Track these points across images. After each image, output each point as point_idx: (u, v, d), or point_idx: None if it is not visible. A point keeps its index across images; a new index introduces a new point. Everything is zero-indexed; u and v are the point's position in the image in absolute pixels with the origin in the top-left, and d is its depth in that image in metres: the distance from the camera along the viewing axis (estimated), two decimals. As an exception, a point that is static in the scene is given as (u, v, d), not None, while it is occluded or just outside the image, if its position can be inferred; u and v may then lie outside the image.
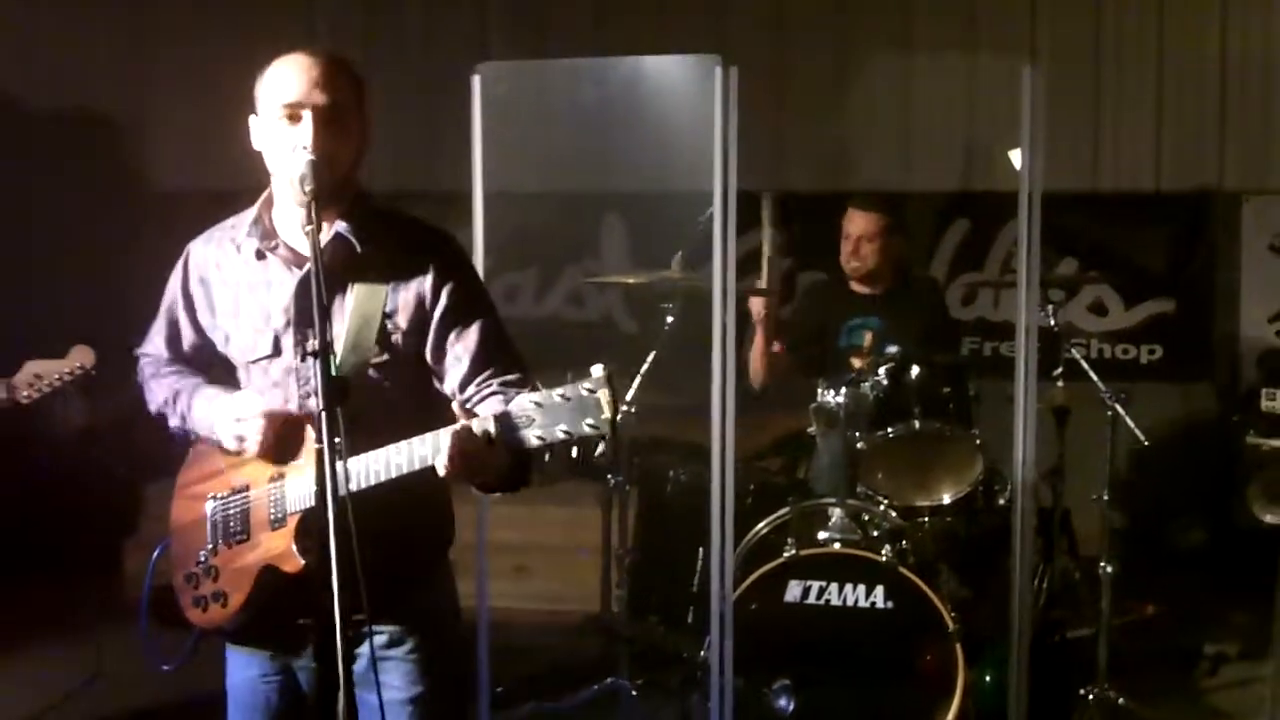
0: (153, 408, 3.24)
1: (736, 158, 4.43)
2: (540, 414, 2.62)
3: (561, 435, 2.61)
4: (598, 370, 2.61)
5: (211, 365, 3.21)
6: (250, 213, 3.09)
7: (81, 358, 4.04)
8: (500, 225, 4.74)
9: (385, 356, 2.99)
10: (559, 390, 2.61)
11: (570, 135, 5.89)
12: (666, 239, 5.29)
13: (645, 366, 5.23)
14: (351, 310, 2.95)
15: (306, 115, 2.92)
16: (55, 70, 7.36)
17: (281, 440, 2.97)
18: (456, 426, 2.69)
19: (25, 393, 4.01)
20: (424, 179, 6.91)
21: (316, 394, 2.62)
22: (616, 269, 7.32)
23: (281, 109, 2.94)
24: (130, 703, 5.30)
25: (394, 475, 2.79)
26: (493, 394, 2.95)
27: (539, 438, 2.63)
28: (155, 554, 3.23)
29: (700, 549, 5.11)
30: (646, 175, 6.28)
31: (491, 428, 2.66)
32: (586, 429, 2.59)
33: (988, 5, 7.29)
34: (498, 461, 2.71)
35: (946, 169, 7.30)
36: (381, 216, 3.08)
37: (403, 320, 3.00)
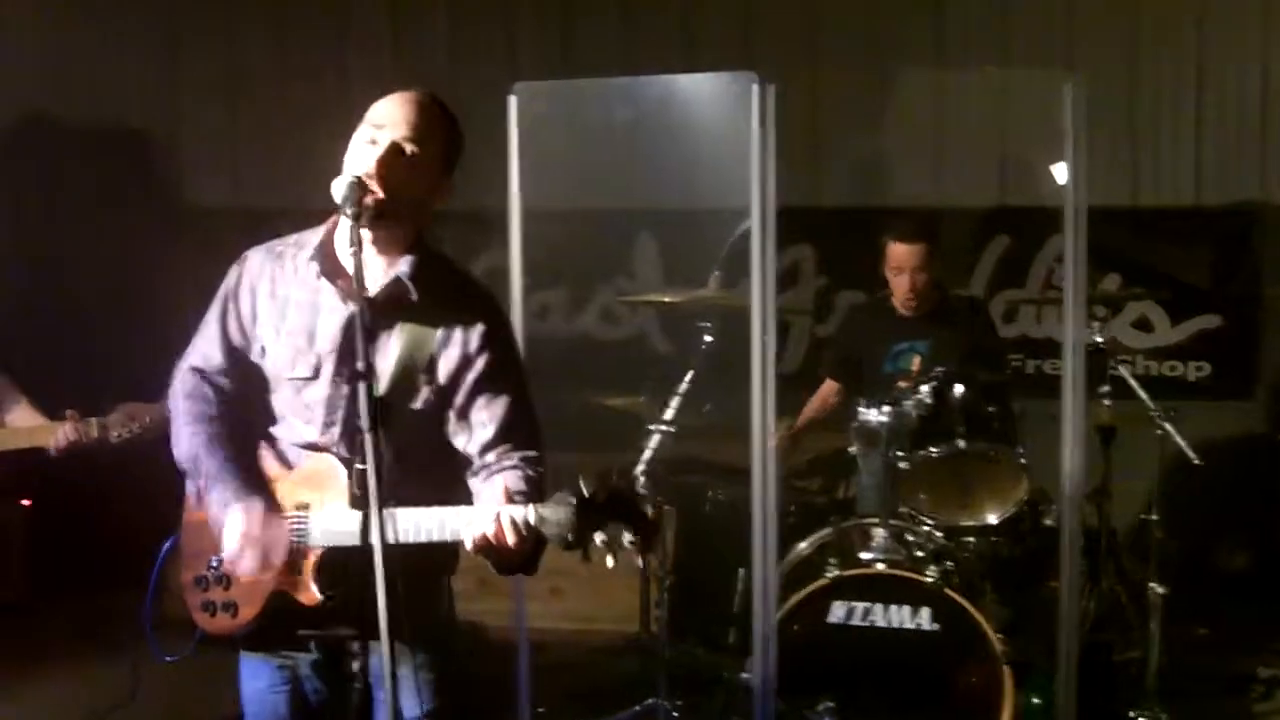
0: (175, 451, 3.20)
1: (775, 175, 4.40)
2: (580, 517, 2.67)
3: (598, 542, 2.67)
4: (641, 483, 2.68)
5: (248, 378, 3.18)
6: (316, 235, 3.10)
7: None
8: (533, 243, 4.73)
9: (427, 404, 3.02)
10: (601, 495, 2.67)
11: (604, 153, 5.86)
12: (700, 257, 5.26)
13: (684, 386, 5.17)
14: (398, 353, 2.99)
15: (383, 138, 2.96)
16: (92, 87, 7.37)
17: (265, 563, 2.97)
18: (497, 510, 2.75)
19: (116, 432, 4.14)
20: (456, 197, 6.89)
21: (359, 417, 2.64)
22: (649, 287, 7.28)
23: (367, 129, 2.98)
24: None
25: (420, 540, 2.81)
26: (512, 467, 3.01)
27: (576, 539, 2.68)
28: (165, 547, 3.22)
29: (740, 569, 5.07)
30: (680, 193, 6.24)
31: (532, 518, 2.73)
32: (625, 541, 2.67)
33: (1024, 19, 7.23)
34: (525, 551, 2.77)
35: (984, 184, 7.23)
36: (441, 267, 3.11)
37: (441, 374, 3.04)
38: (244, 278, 3.17)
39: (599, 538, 2.65)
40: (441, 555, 3.16)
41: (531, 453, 3.05)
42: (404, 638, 2.60)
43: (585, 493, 2.68)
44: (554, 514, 2.70)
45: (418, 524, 2.81)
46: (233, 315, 3.17)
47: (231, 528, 2.97)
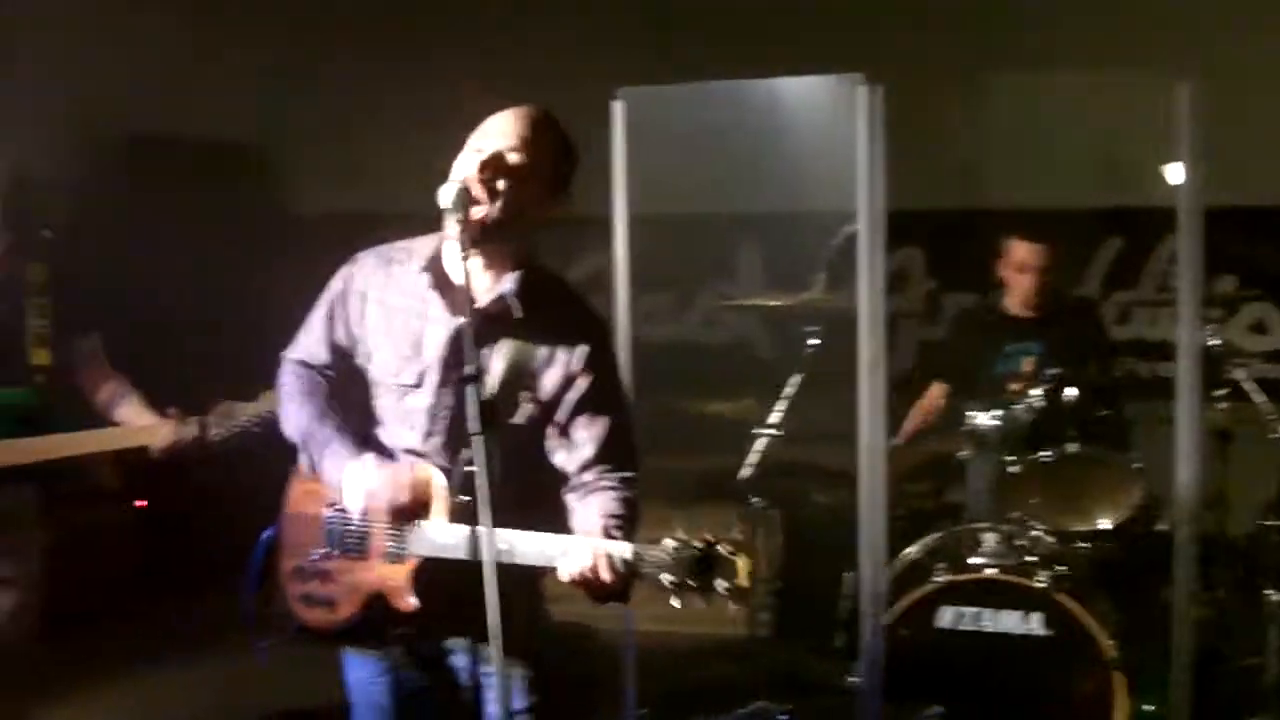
0: (284, 430, 3.27)
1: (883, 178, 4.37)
2: (676, 564, 2.66)
3: (691, 589, 2.65)
4: (738, 533, 2.69)
5: (353, 375, 3.22)
6: (428, 247, 3.12)
7: (270, 405, 4.07)
8: (637, 248, 4.73)
9: (527, 420, 3.04)
10: (699, 542, 2.66)
11: (709, 157, 5.86)
12: (805, 260, 5.23)
13: (791, 390, 5.15)
14: (501, 368, 3.01)
15: (486, 149, 2.98)
16: (201, 99, 7.48)
17: (403, 514, 3.02)
18: (595, 546, 2.76)
19: (215, 430, 4.18)
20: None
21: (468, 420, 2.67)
22: (753, 291, 7.26)
23: (471, 142, 3.02)
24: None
25: (514, 562, 2.81)
26: (609, 488, 3.03)
27: (671, 583, 2.67)
28: (265, 535, 3.28)
29: (846, 573, 5.04)
30: (785, 196, 6.23)
31: (629, 556, 2.73)
32: (719, 590, 2.64)
33: (1136, 19, 7.12)
34: (618, 587, 2.78)
35: (1096, 185, 7.12)
36: (548, 284, 3.13)
37: (543, 391, 3.06)
38: (354, 281, 3.21)
39: (693, 583, 2.64)
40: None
41: (628, 474, 3.07)
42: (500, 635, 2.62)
43: (685, 539, 2.68)
44: (652, 556, 2.70)
45: (513, 546, 2.82)
46: (340, 316, 3.21)
47: (350, 483, 3.03)
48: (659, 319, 7.65)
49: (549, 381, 3.05)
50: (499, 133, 3.00)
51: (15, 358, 4.22)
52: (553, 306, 3.09)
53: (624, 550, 2.74)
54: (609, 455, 3.06)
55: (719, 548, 2.64)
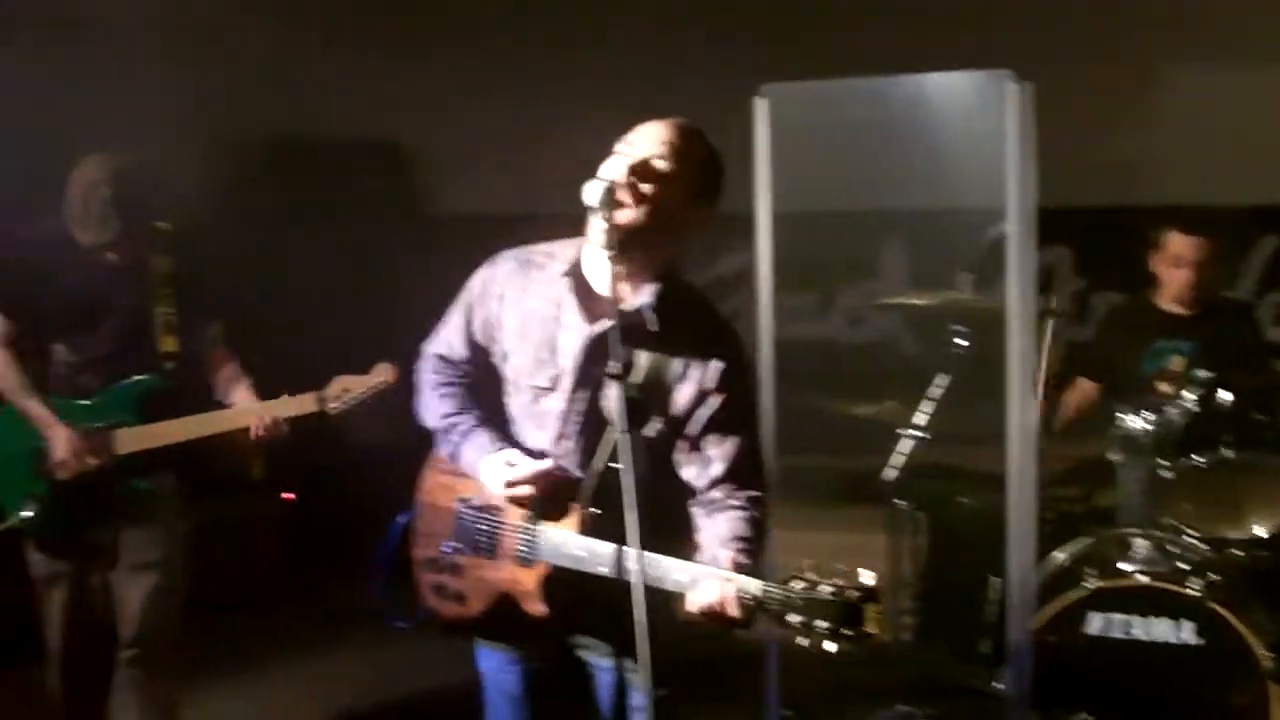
0: (424, 419, 3.33)
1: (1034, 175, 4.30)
2: (804, 605, 2.65)
3: (820, 631, 2.63)
4: (869, 578, 2.64)
5: (490, 372, 3.26)
6: (570, 250, 3.14)
7: (384, 374, 4.33)
8: (780, 246, 4.70)
9: (651, 433, 3.04)
10: (830, 585, 2.64)
11: (853, 155, 5.80)
12: (951, 259, 5.17)
13: (937, 390, 5.08)
14: (636, 381, 3.00)
15: (632, 155, 3.00)
16: (348, 100, 7.59)
17: (547, 501, 3.05)
18: (724, 580, 2.76)
19: (334, 404, 4.32)
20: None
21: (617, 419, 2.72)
22: (896, 289, 7.20)
23: (619, 150, 3.03)
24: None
25: (642, 582, 2.78)
26: (737, 507, 3.03)
27: (800, 623, 2.65)
28: (400, 519, 3.34)
29: (993, 578, 4.96)
30: (931, 194, 6.14)
31: (758, 592, 2.72)
32: (845, 637, 2.61)
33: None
34: (745, 619, 2.78)
35: (1250, 183, 6.95)
36: (686, 298, 3.13)
37: (676, 407, 3.07)
38: (493, 282, 3.24)
39: (821, 626, 2.62)
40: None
41: (756, 493, 3.07)
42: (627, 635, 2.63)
43: (815, 580, 2.66)
44: (780, 596, 2.69)
45: (641, 566, 2.78)
46: (478, 314, 3.25)
47: (491, 473, 3.08)
48: (802, 318, 7.61)
49: (682, 397, 3.05)
50: (647, 139, 3.01)
51: (145, 345, 4.39)
52: (689, 321, 3.09)
53: (752, 587, 2.73)
54: (738, 474, 3.06)
55: (848, 593, 2.61)
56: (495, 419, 3.24)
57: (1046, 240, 4.90)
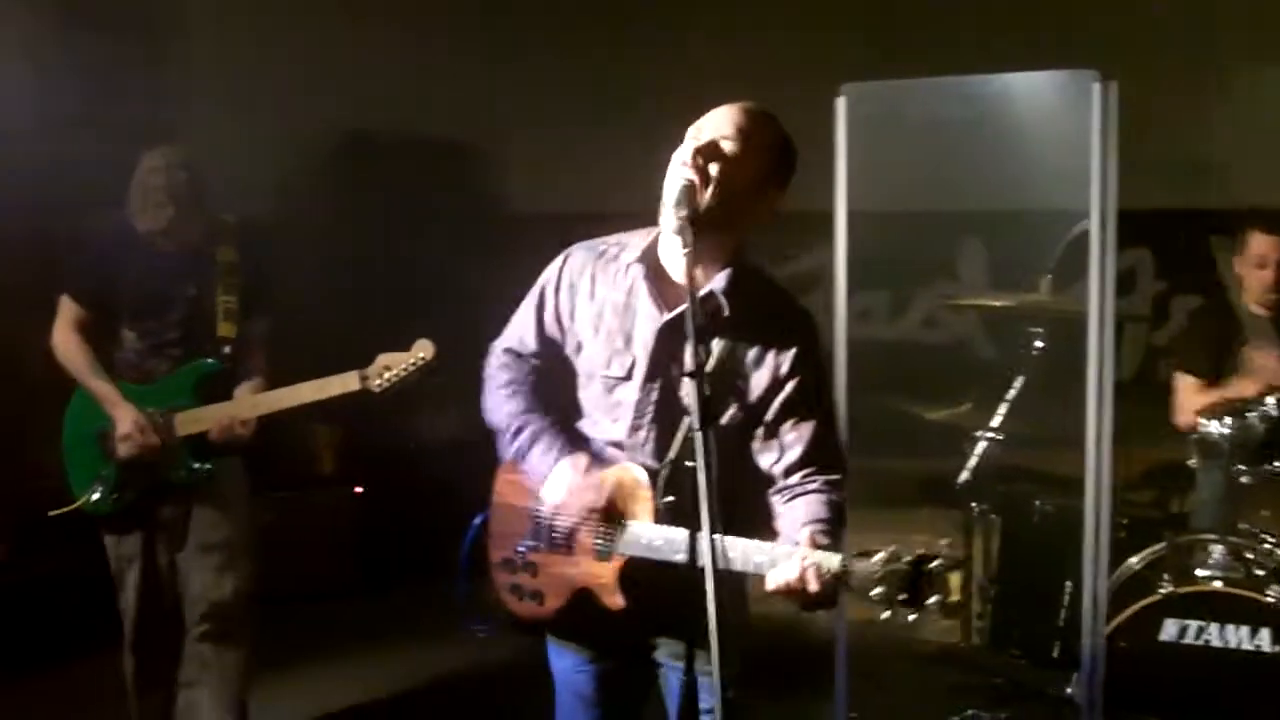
0: (490, 418, 3.31)
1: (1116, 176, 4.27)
2: (885, 580, 2.63)
3: (901, 601, 2.62)
4: (947, 547, 2.66)
5: (560, 367, 3.25)
6: (643, 240, 3.13)
7: (423, 350, 4.36)
8: (857, 245, 4.69)
9: (734, 421, 3.03)
10: (909, 557, 2.63)
11: (932, 154, 5.78)
12: (1030, 260, 5.14)
13: (1013, 393, 5.05)
14: (712, 371, 2.97)
15: (707, 134, 2.97)
16: (415, 101, 7.64)
17: (602, 509, 3.05)
18: (804, 556, 2.73)
19: (377, 382, 4.34)
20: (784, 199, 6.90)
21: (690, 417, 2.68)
22: (975, 291, 7.15)
23: (689, 135, 3.00)
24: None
25: (719, 567, 2.75)
26: (815, 491, 3.00)
27: (881, 597, 2.64)
28: (475, 522, 3.34)
29: (1067, 582, 4.93)
30: (1010, 194, 6.11)
31: (836, 567, 2.70)
32: (930, 606, 2.61)
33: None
34: (827, 599, 2.75)
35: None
36: (757, 283, 3.10)
37: (751, 393, 3.04)
38: (565, 274, 3.23)
39: (904, 598, 2.61)
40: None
41: (835, 476, 3.03)
42: (701, 633, 2.60)
43: (895, 553, 2.65)
44: (861, 570, 2.67)
45: (720, 550, 2.75)
46: (550, 307, 3.24)
47: (556, 481, 3.08)
48: (876, 318, 7.58)
49: (757, 383, 3.03)
50: (716, 122, 2.99)
51: (205, 331, 4.54)
52: (762, 306, 3.07)
53: (832, 562, 2.70)
54: (816, 458, 3.03)
55: (931, 563, 2.60)
56: (561, 418, 3.24)
57: (1126, 242, 4.87)
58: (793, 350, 3.03)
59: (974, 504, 5.21)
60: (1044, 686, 5.09)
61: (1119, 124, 4.28)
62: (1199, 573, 4.64)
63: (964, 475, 5.08)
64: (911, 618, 2.63)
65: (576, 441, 3.16)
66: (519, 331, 3.31)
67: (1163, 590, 4.57)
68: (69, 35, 6.34)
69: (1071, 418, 4.42)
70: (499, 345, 3.36)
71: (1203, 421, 4.75)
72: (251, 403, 4.49)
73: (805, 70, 7.29)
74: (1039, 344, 5.12)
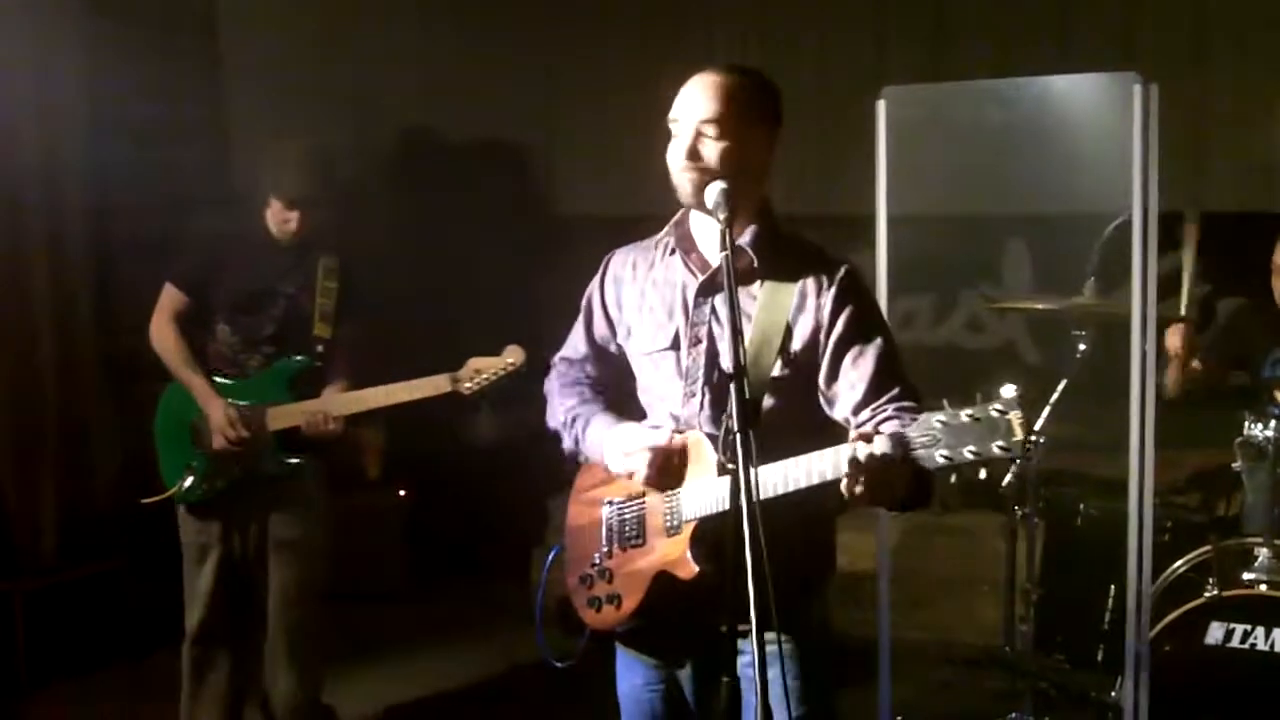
0: (551, 424, 3.36)
1: (1157, 178, 4.25)
2: (946, 433, 2.56)
3: (969, 456, 2.54)
4: (1009, 390, 2.55)
5: (613, 365, 3.32)
6: (674, 220, 3.19)
7: (514, 355, 4.50)
8: (900, 248, 4.68)
9: (785, 372, 3.01)
10: (966, 410, 2.55)
11: (975, 157, 5.76)
12: (1074, 263, 5.11)
13: (1056, 395, 5.03)
14: (752, 326, 3.00)
15: (682, 128, 3.01)
16: (467, 103, 7.67)
17: (665, 471, 3.04)
18: (859, 444, 2.65)
19: (468, 384, 4.48)
20: (822, 202, 6.91)
21: (729, 414, 2.67)
22: (1017, 294, 7.11)
23: (670, 124, 3.05)
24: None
25: (789, 489, 2.78)
26: (888, 419, 2.90)
27: (945, 457, 2.57)
28: (550, 556, 3.35)
29: (1111, 586, 4.91)
30: (1054, 197, 6.09)
31: (889, 448, 2.60)
32: (996, 450, 2.52)
33: None
34: (899, 480, 2.64)
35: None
36: (783, 238, 3.12)
37: (797, 343, 3.03)
38: (610, 270, 3.31)
39: (968, 450, 2.53)
40: (820, 552, 3.20)
41: (908, 403, 2.94)
42: (777, 627, 2.53)
43: (953, 410, 2.57)
44: (922, 433, 2.59)
45: (785, 474, 2.79)
46: (598, 307, 3.31)
47: (613, 448, 3.10)
48: (920, 322, 7.56)
49: (802, 331, 3.02)
50: (683, 111, 3.02)
51: (301, 330, 4.70)
52: (793, 256, 3.08)
53: (891, 436, 2.61)
54: (881, 389, 2.96)
55: (990, 408, 2.53)
56: (621, 410, 3.27)
57: (1170, 245, 4.85)
58: (831, 292, 3.02)
59: (1017, 507, 5.19)
60: (1088, 690, 5.06)
61: (1165, 126, 4.26)
62: (1244, 576, 4.61)
63: (1008, 478, 5.05)
64: (982, 474, 2.58)
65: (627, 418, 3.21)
66: (574, 342, 3.40)
67: (1208, 593, 4.54)
68: (128, 36, 6.42)
69: (1115, 421, 4.40)
70: (556, 357, 3.44)
71: (1248, 425, 4.73)
72: (344, 400, 4.62)
73: (846, 74, 7.31)
74: (1082, 347, 5.10)
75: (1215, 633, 4.52)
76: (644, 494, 3.12)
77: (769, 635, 2.49)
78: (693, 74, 3.08)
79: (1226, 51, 6.97)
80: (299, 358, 4.70)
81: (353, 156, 7.39)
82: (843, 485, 2.67)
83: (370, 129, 7.54)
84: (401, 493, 7.13)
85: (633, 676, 3.30)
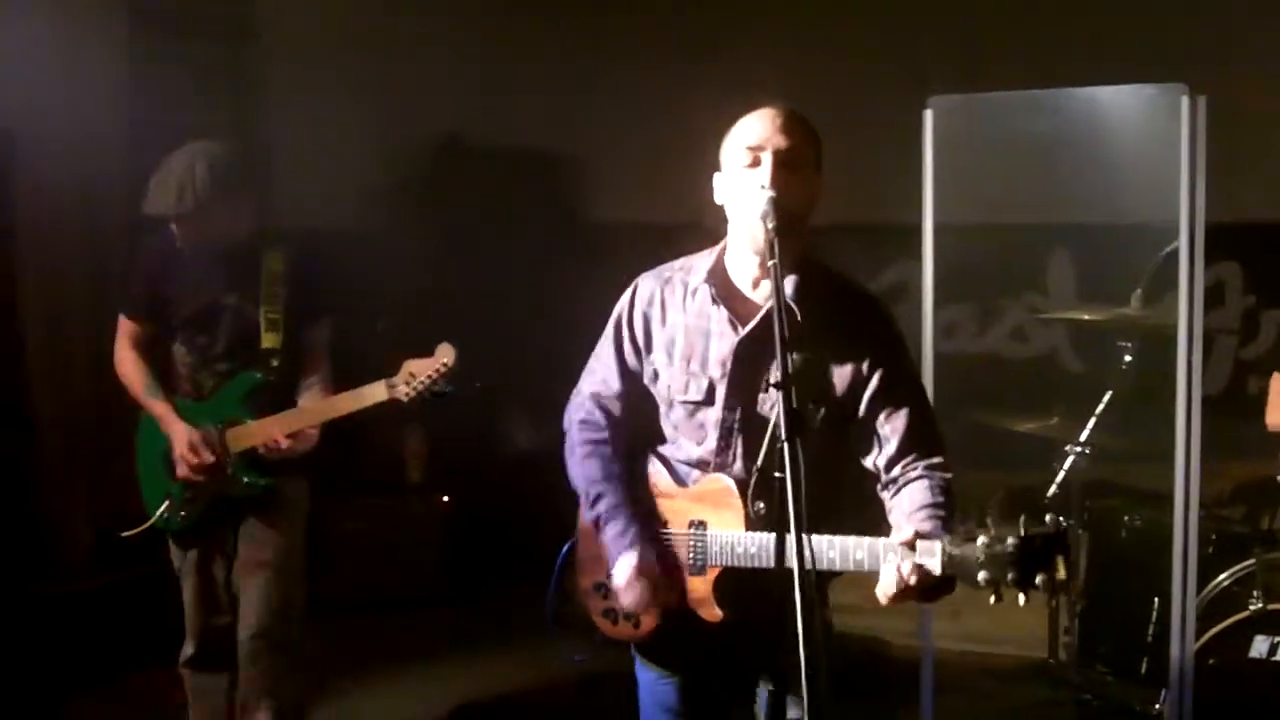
0: (571, 479, 3.30)
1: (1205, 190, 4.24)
2: (990, 560, 2.62)
3: (1010, 582, 2.61)
4: (1051, 523, 2.64)
5: (641, 394, 3.26)
6: (708, 260, 3.15)
7: (445, 355, 4.22)
8: (944, 258, 4.68)
9: (816, 424, 3.01)
10: (1013, 538, 2.62)
11: (1020, 168, 5.77)
12: (1118, 274, 5.11)
13: (1101, 407, 5.02)
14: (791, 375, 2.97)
15: (766, 157, 2.97)
16: (503, 111, 7.70)
17: (659, 598, 3.06)
18: (902, 550, 2.72)
19: (404, 389, 4.21)
20: (867, 211, 6.90)
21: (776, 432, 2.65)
22: (1062, 304, 7.11)
23: (745, 152, 3.00)
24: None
25: (821, 569, 2.78)
26: (918, 478, 2.98)
27: (987, 580, 2.62)
28: (563, 551, 3.34)
29: (1155, 598, 4.89)
30: (1099, 208, 6.09)
31: (941, 556, 2.68)
32: (1037, 585, 2.60)
33: None
34: (935, 587, 2.73)
35: None
36: (826, 282, 3.10)
37: (839, 390, 3.04)
38: (635, 305, 3.24)
39: (1010, 576, 2.60)
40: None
41: (937, 459, 3.01)
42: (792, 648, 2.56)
43: (998, 535, 2.63)
44: (964, 555, 2.65)
45: (820, 553, 2.79)
46: (627, 341, 3.24)
47: (621, 571, 3.06)
48: (964, 331, 7.55)
49: (841, 381, 3.03)
50: (769, 132, 3.00)
51: (253, 343, 4.40)
52: (834, 304, 3.07)
53: (934, 552, 2.68)
54: (914, 444, 3.01)
55: (1035, 542, 2.59)
56: (646, 444, 3.24)
57: (1216, 256, 4.84)
58: (871, 343, 3.04)
59: (1061, 518, 5.17)
60: (1132, 703, 5.04)
61: (1212, 138, 4.26)
62: (1291, 589, 4.60)
63: (1052, 489, 5.05)
64: (1021, 599, 2.63)
65: (646, 529, 3.14)
66: (602, 374, 3.31)
67: (1252, 606, 4.51)
68: (154, 42, 6.47)
69: (1160, 432, 4.40)
70: (583, 390, 3.35)
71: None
72: (288, 418, 4.35)
73: (892, 83, 7.29)
74: (1128, 358, 5.09)
75: (1260, 646, 4.50)
76: (666, 524, 3.13)
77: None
78: (733, 85, 3.09)
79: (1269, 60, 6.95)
80: (255, 374, 4.41)
81: (389, 165, 7.49)
82: (880, 591, 2.75)
83: (407, 138, 7.58)
84: (444, 498, 7.14)
85: (647, 670, 3.32)
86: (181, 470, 4.39)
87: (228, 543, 4.52)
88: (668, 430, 3.21)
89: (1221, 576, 4.80)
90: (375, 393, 4.23)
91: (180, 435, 4.39)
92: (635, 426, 3.27)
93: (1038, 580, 2.59)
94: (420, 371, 4.21)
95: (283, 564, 4.48)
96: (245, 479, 4.40)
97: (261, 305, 4.40)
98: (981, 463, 5.40)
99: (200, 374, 4.48)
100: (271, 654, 4.47)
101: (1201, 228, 4.26)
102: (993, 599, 2.63)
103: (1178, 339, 4.31)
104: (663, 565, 3.08)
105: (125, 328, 4.57)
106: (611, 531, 3.13)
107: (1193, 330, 4.30)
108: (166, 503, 4.48)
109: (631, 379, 3.26)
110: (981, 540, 2.63)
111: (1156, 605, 4.91)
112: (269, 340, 4.40)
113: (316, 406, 4.36)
